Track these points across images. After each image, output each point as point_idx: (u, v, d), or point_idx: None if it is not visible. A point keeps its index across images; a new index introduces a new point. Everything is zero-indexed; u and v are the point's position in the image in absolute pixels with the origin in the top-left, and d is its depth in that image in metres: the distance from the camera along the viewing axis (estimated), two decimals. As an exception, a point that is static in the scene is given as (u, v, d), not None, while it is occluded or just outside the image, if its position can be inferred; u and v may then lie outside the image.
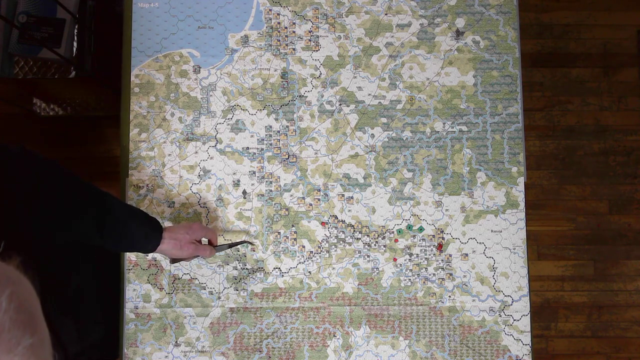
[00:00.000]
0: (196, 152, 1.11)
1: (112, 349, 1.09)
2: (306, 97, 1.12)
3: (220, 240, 1.08)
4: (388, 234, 1.09)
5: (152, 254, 1.08)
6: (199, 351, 1.07)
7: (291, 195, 1.10)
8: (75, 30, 1.51)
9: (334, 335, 1.07)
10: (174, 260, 1.01)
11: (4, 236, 0.79)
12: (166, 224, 1.09)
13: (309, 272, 1.08)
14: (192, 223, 0.99)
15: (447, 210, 1.09)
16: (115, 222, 0.88)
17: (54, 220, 0.83)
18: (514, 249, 1.08)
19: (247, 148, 1.11)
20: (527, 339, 1.07)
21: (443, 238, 1.09)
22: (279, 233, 1.09)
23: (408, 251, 1.09)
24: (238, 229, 1.09)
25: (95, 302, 1.05)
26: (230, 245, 1.06)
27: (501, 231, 1.09)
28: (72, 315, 0.93)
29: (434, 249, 1.09)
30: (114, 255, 1.10)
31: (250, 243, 1.08)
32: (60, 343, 0.79)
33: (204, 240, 1.02)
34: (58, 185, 0.83)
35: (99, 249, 1.10)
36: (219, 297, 1.08)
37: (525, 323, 1.07)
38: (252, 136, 1.12)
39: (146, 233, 0.92)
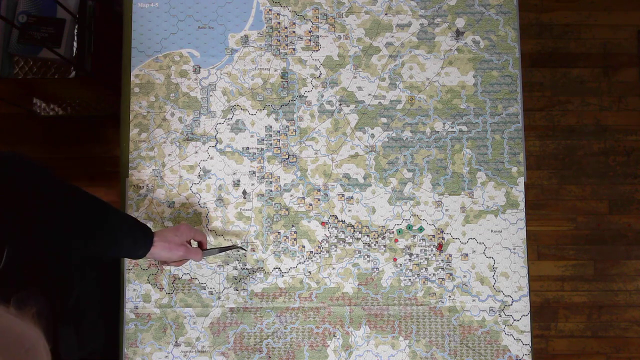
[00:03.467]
0: (196, 152, 1.11)
1: (112, 355, 1.08)
2: (306, 97, 1.12)
3: (220, 241, 1.08)
4: (388, 234, 1.09)
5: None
6: (199, 351, 1.07)
7: (291, 195, 1.10)
8: (75, 30, 1.51)
9: (334, 335, 1.07)
10: (163, 263, 1.00)
11: (8, 244, 0.79)
12: (166, 224, 1.09)
13: (309, 272, 1.08)
14: (179, 225, 0.97)
15: (447, 210, 1.09)
16: (105, 229, 0.86)
17: (47, 227, 0.81)
18: (514, 249, 1.08)
19: (247, 148, 1.11)
20: (527, 339, 1.07)
21: (443, 238, 1.09)
22: (279, 233, 1.09)
23: (408, 251, 1.09)
24: (238, 229, 1.09)
25: (96, 309, 1.05)
26: (220, 250, 1.04)
27: (501, 231, 1.09)
28: (74, 324, 0.93)
29: (434, 249, 1.09)
30: (116, 260, 1.09)
31: (242, 248, 1.07)
32: None
33: (194, 243, 1.01)
34: (48, 193, 0.82)
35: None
36: (219, 297, 1.08)
37: (525, 323, 1.07)
38: (252, 136, 1.12)
39: (136, 239, 0.90)
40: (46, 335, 0.55)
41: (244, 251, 1.08)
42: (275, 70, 1.13)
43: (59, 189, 0.84)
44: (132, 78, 1.13)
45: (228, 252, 1.07)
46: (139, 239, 0.91)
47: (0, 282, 0.77)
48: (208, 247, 1.03)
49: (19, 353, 0.49)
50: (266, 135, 1.12)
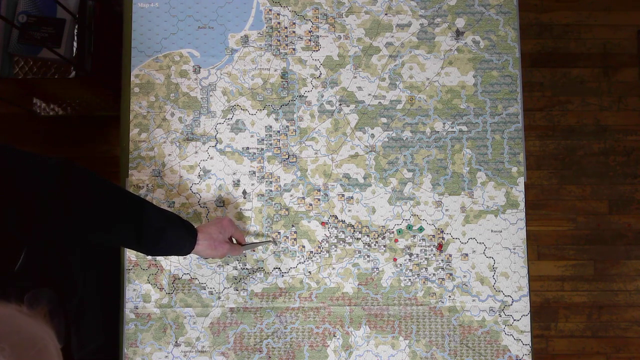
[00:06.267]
0: (196, 152, 1.11)
1: (112, 355, 1.09)
2: (306, 97, 1.12)
3: None
4: (388, 234, 1.09)
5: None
6: (199, 351, 1.07)
7: (291, 195, 1.10)
8: (75, 30, 1.51)
9: (334, 335, 1.07)
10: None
11: (29, 245, 0.80)
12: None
13: (309, 272, 1.08)
14: (222, 219, 0.98)
15: (447, 210, 1.09)
16: (152, 230, 0.88)
17: (92, 230, 0.84)
18: (514, 249, 1.08)
19: (247, 148, 1.11)
20: (527, 339, 1.07)
21: (443, 238, 1.09)
22: (279, 233, 1.09)
23: (408, 251, 1.09)
24: (264, 239, 1.09)
25: (97, 310, 1.06)
26: (256, 245, 1.07)
27: (501, 231, 1.09)
28: (75, 325, 0.93)
29: (434, 249, 1.09)
30: (116, 260, 1.10)
31: (274, 242, 1.09)
32: None
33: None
34: (96, 196, 0.84)
35: (104, 256, 1.11)
36: (219, 297, 1.08)
37: (525, 323, 1.07)
38: (252, 136, 1.12)
39: (182, 238, 0.91)
40: (58, 335, 0.55)
41: (275, 245, 1.09)
42: (275, 70, 1.13)
43: (106, 192, 0.86)
44: (132, 78, 1.13)
45: (259, 247, 1.09)
46: (184, 238, 0.92)
47: (14, 283, 0.78)
48: (245, 243, 1.05)
49: (30, 353, 0.49)
50: (266, 135, 1.12)
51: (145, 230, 0.87)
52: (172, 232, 0.90)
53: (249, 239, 1.09)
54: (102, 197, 0.85)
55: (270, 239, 1.09)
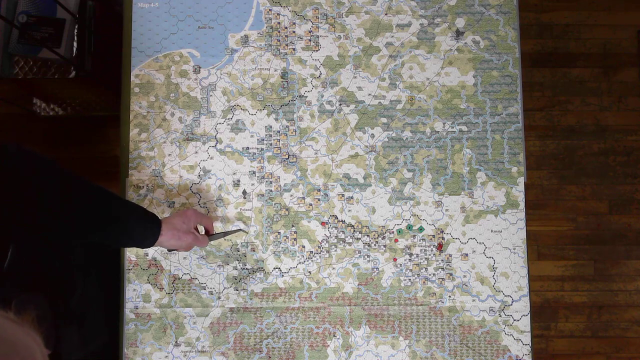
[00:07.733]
0: (196, 152, 1.11)
1: (112, 355, 1.08)
2: (306, 97, 1.12)
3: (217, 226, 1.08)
4: (388, 234, 1.09)
5: (149, 249, 1.08)
6: (199, 351, 1.07)
7: (291, 195, 1.10)
8: (75, 30, 1.51)
9: (334, 335, 1.07)
10: (170, 250, 1.01)
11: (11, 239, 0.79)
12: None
13: (309, 272, 1.08)
14: (186, 210, 0.97)
15: (447, 210, 1.09)
16: (115, 221, 0.86)
17: (51, 220, 0.81)
18: (514, 249, 1.08)
19: (247, 148, 1.11)
20: (527, 339, 1.07)
21: (443, 238, 1.09)
22: (279, 233, 1.09)
23: (408, 251, 1.09)
24: (236, 227, 1.09)
25: (99, 308, 1.05)
26: (225, 234, 1.06)
27: (501, 231, 1.09)
28: (77, 323, 0.93)
29: (434, 249, 1.09)
30: (116, 260, 1.09)
31: (244, 231, 1.08)
32: None
33: (200, 228, 1.01)
34: (56, 185, 0.81)
35: (106, 255, 1.11)
36: (219, 297, 1.08)
37: (525, 323, 1.07)
38: (252, 136, 1.12)
39: (145, 228, 0.90)
40: (46, 341, 0.54)
41: (246, 233, 1.08)
42: (275, 70, 1.13)
43: (64, 180, 0.83)
44: (132, 78, 1.13)
45: (231, 237, 1.08)
46: (147, 229, 0.90)
47: (4, 283, 0.77)
48: (214, 232, 1.04)
49: None
50: (266, 135, 1.12)
51: (107, 220, 0.85)
52: (135, 223, 0.88)
53: (218, 227, 1.07)
54: (62, 186, 0.82)
55: (240, 228, 1.08)
